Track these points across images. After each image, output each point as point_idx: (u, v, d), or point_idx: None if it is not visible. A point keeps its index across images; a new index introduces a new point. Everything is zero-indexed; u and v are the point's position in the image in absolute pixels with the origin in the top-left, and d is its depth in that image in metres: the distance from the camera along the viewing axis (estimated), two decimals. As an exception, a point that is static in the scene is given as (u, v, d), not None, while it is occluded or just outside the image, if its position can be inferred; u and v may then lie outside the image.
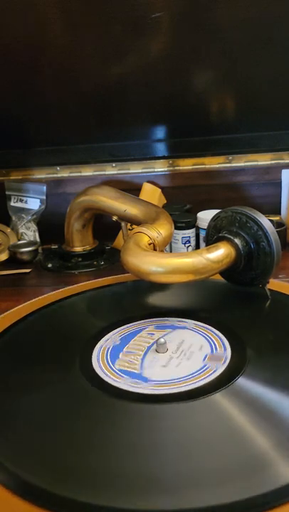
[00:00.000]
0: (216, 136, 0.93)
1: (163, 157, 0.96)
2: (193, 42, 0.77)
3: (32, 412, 0.41)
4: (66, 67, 0.82)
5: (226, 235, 0.58)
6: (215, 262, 0.54)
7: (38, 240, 0.94)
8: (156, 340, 0.49)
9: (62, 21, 0.73)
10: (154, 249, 0.60)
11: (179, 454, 0.36)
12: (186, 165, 0.95)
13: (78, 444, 0.37)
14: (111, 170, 0.96)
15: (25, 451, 0.37)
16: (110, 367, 0.47)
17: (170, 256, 0.55)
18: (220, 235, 0.59)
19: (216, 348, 0.48)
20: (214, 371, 0.44)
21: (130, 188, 0.84)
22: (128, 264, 0.55)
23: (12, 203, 0.96)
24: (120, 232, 0.81)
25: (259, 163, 0.94)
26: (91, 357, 0.48)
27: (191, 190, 0.94)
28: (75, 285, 0.68)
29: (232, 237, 0.57)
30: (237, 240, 0.57)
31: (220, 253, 0.55)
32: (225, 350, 0.48)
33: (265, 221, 0.56)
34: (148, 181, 0.93)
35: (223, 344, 0.49)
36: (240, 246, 0.57)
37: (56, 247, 0.87)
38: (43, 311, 0.60)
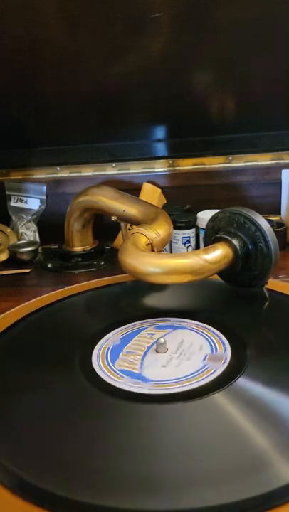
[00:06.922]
0: (216, 136, 0.93)
1: (163, 157, 0.96)
2: (193, 42, 0.77)
3: (32, 412, 0.41)
4: (66, 67, 0.82)
5: (223, 235, 0.58)
6: (212, 263, 0.54)
7: (38, 240, 0.94)
8: (156, 340, 0.49)
9: (62, 21, 0.73)
10: (152, 250, 0.60)
11: (178, 454, 0.36)
12: (186, 165, 0.95)
13: (78, 444, 0.37)
14: (111, 170, 0.96)
15: (25, 451, 0.37)
16: (110, 367, 0.47)
17: (167, 257, 0.55)
18: (217, 235, 0.58)
19: (216, 349, 0.49)
20: (214, 371, 0.45)
21: (130, 188, 0.84)
22: (125, 265, 0.55)
23: (12, 203, 0.96)
24: (120, 232, 0.81)
25: (259, 163, 0.93)
26: (91, 357, 0.49)
27: (191, 190, 0.94)
28: (75, 285, 0.68)
29: (230, 238, 0.57)
30: (235, 241, 0.57)
31: (217, 254, 0.55)
32: (225, 351, 0.48)
33: (262, 222, 0.56)
34: (148, 181, 0.93)
35: (223, 344, 0.49)
36: (237, 247, 0.57)
37: (56, 247, 0.87)
38: (43, 311, 0.60)
